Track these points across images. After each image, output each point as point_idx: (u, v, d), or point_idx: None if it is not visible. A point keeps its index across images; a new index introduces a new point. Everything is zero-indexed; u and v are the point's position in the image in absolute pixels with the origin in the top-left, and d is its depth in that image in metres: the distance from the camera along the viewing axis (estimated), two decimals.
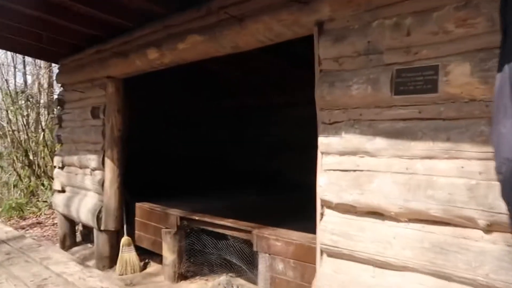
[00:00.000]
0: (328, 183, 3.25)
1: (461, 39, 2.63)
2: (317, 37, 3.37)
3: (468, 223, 2.60)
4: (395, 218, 2.92)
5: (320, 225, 3.34)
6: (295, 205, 5.90)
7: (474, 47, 2.57)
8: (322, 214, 3.36)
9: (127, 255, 5.92)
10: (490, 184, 2.50)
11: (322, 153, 3.34)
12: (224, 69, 7.31)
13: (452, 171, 2.65)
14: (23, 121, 12.01)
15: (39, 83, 13.53)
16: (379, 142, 2.98)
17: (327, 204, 3.31)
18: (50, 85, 13.44)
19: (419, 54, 2.80)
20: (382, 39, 2.97)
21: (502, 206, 2.42)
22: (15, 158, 11.56)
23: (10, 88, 12.72)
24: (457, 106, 2.64)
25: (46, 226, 8.96)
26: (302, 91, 7.28)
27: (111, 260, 6.08)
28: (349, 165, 3.15)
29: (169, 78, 6.85)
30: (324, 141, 3.31)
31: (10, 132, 11.90)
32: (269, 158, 8.26)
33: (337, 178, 3.21)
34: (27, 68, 14.74)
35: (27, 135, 11.71)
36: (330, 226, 3.27)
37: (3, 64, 13.46)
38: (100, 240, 6.19)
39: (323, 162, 3.34)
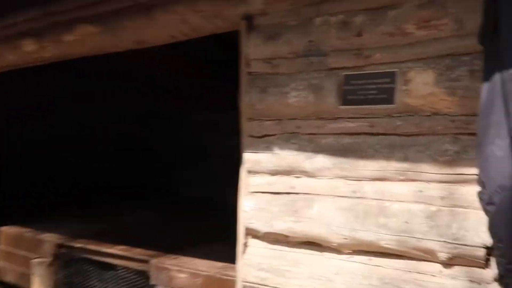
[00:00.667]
0: (256, 208, 2.72)
1: (423, 42, 2.27)
2: (245, 34, 2.85)
3: (425, 255, 2.22)
4: (336, 249, 2.47)
5: (244, 259, 2.77)
6: (202, 225, 5.29)
7: (438, 53, 2.23)
8: (245, 245, 2.81)
9: None
10: (453, 211, 2.15)
11: (249, 171, 2.80)
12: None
13: (409, 196, 2.27)
14: None
15: None
16: (321, 161, 2.52)
17: (253, 233, 2.76)
18: None
19: (372, 58, 2.40)
20: (326, 39, 2.53)
21: (468, 237, 2.09)
22: None
23: None
24: (417, 120, 2.27)
25: None
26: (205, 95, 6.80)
27: None
28: (283, 187, 2.65)
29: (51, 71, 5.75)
30: (251, 158, 2.77)
31: None
32: (168, 169, 7.49)
33: (267, 202, 2.69)
34: None
35: None
36: (256, 259, 2.72)
37: None
38: None
39: (249, 182, 2.80)
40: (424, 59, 2.26)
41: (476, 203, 2.08)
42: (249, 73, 2.83)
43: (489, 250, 2.06)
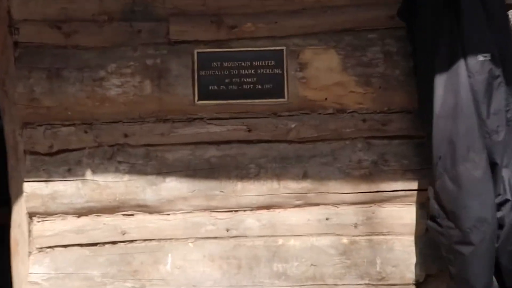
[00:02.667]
0: (56, 276, 1.60)
1: (312, 10, 1.62)
2: None
3: None
4: None
5: None
6: None
7: (334, 26, 1.62)
8: None
9: None
10: (373, 241, 1.62)
11: (32, 214, 1.63)
12: None
13: (311, 227, 1.62)
14: None
15: None
16: (170, 187, 1.61)
17: None
18: None
19: (240, 29, 1.63)
20: None
21: (397, 273, 1.60)
22: None
23: None
24: (317, 120, 1.62)
25: None
26: None
27: None
28: (105, 234, 1.62)
29: None
30: (37, 191, 1.61)
31: None
32: None
33: (78, 262, 1.60)
34: None
35: None
36: None
37: None
38: None
39: (35, 232, 1.63)
40: (317, 34, 1.62)
41: (399, 227, 1.61)
42: (17, 44, 1.63)
43: (418, 285, 1.61)
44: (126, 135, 1.61)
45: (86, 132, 1.61)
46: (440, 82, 1.39)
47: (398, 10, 1.55)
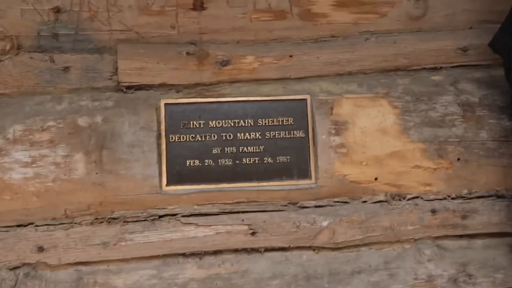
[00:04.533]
0: None
1: (344, 38, 1.06)
2: None
3: None
4: None
5: None
6: None
7: (379, 62, 1.06)
8: None
9: None
10: None
11: None
12: None
13: None
14: None
15: None
16: None
17: None
18: None
19: (233, 67, 1.01)
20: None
21: None
22: None
23: None
24: (363, 213, 1.02)
25: None
26: None
27: None
28: None
29: None
30: None
31: None
32: None
33: None
34: None
35: None
36: None
37: None
38: None
39: None
40: (355, 75, 1.04)
41: None
42: None
43: None
44: (41, 249, 0.94)
45: None
46: None
47: (493, 37, 0.99)
